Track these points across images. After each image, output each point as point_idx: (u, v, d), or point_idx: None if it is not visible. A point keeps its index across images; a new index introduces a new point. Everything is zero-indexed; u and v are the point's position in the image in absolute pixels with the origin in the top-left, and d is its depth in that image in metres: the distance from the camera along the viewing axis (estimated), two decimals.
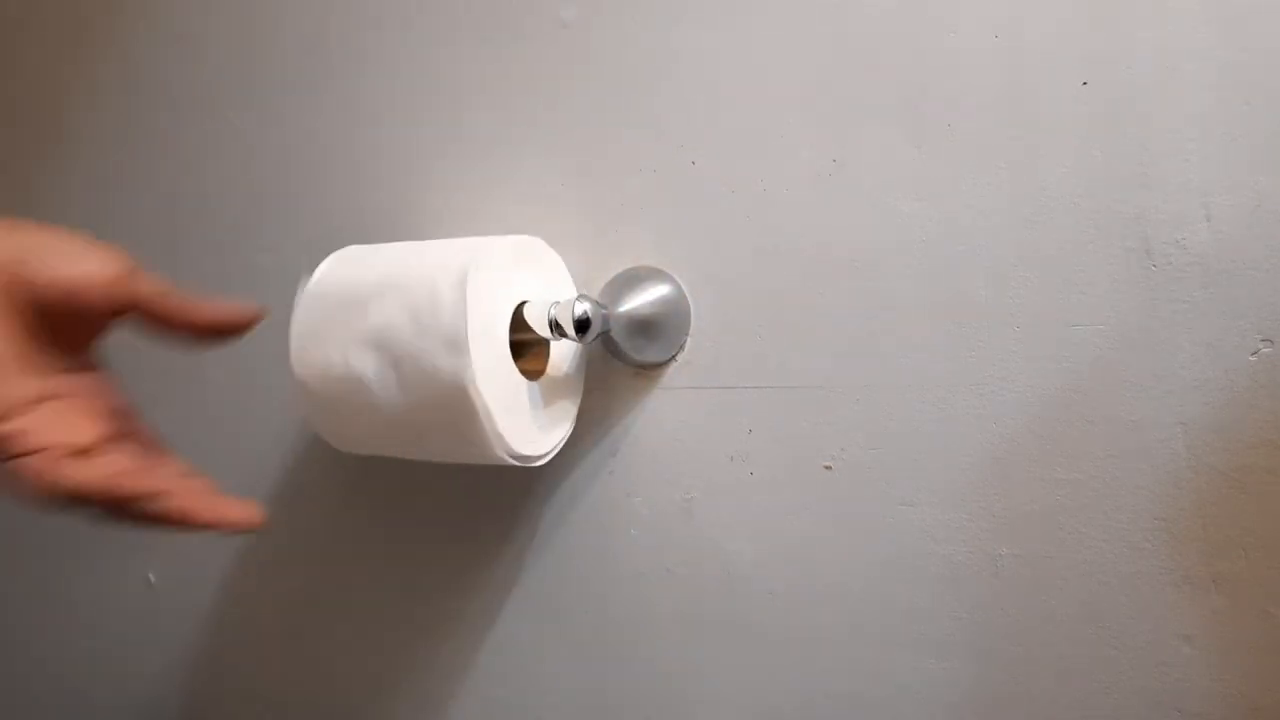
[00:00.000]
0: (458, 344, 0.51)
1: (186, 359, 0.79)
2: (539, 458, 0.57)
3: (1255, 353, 0.50)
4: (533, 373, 0.58)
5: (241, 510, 0.44)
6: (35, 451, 0.41)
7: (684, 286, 0.61)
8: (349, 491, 0.72)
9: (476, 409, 0.51)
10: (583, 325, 0.54)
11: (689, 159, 0.61)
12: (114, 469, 0.42)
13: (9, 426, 0.41)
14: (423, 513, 0.70)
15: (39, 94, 0.84)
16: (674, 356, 0.62)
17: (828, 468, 0.58)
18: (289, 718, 0.76)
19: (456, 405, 0.52)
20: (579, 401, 0.62)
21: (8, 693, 0.87)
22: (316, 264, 0.60)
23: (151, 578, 0.80)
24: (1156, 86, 0.51)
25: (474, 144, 0.68)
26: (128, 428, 0.46)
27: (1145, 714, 0.52)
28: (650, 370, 0.62)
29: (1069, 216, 0.53)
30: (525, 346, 0.58)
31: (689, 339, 0.62)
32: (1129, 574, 0.52)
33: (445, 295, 0.52)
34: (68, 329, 0.43)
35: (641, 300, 0.59)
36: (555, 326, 0.54)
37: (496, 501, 0.67)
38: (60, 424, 0.42)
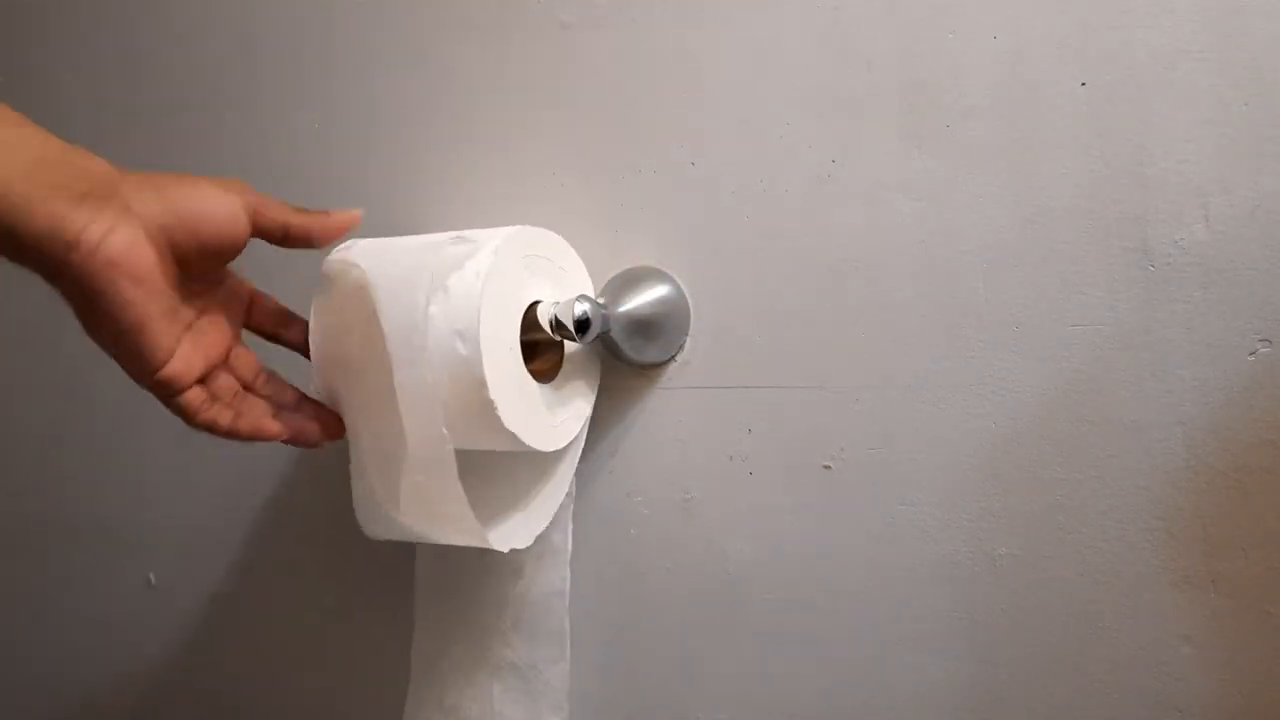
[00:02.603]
0: (469, 336, 0.51)
1: None
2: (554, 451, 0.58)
3: (1254, 353, 0.50)
4: (546, 373, 0.58)
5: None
6: (183, 389, 0.49)
7: (684, 286, 0.61)
8: (349, 491, 0.72)
9: (491, 400, 0.52)
10: (582, 325, 0.54)
11: (689, 159, 0.61)
12: (231, 411, 0.52)
13: (166, 372, 0.48)
14: None
15: (39, 94, 0.84)
16: (674, 356, 0.62)
17: (827, 468, 0.58)
18: (289, 718, 0.76)
19: (471, 394, 0.52)
20: (592, 402, 0.61)
21: (8, 693, 0.87)
22: (313, 263, 0.60)
23: (151, 578, 0.80)
24: (1156, 87, 0.51)
25: (474, 145, 0.68)
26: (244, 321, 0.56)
27: (1145, 714, 0.52)
28: (650, 370, 0.62)
29: (1068, 216, 0.53)
30: (540, 346, 0.58)
31: (689, 339, 0.62)
32: (1128, 574, 0.52)
33: (464, 286, 0.52)
34: (210, 264, 0.51)
35: (641, 300, 0.59)
36: (555, 326, 0.54)
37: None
38: (197, 352, 0.50)
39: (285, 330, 0.58)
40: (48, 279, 0.45)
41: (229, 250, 0.50)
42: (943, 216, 0.55)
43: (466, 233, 0.56)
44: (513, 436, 0.53)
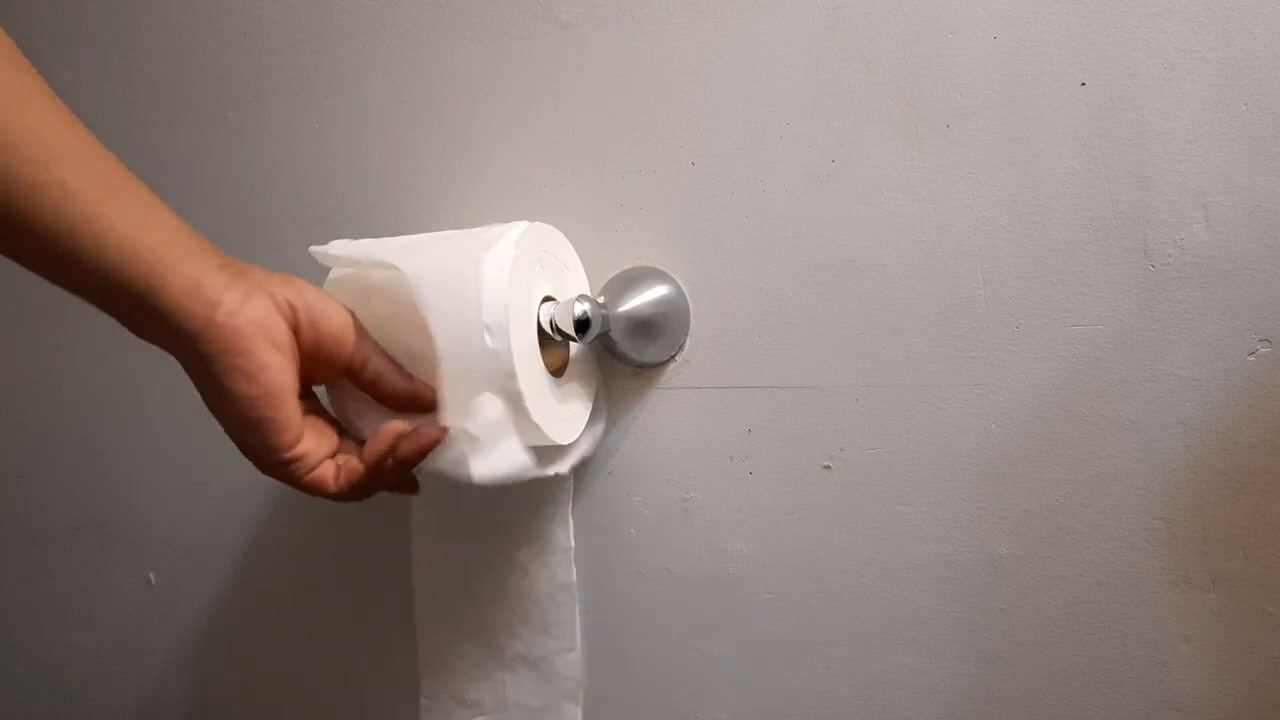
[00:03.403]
0: (497, 329, 0.51)
1: None
2: (566, 447, 0.58)
3: (1253, 353, 0.50)
4: (556, 369, 0.58)
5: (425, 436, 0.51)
6: (315, 467, 0.49)
7: (684, 286, 0.61)
8: None
9: (520, 392, 0.52)
10: (582, 325, 0.54)
11: (689, 159, 0.61)
12: (352, 468, 0.50)
13: (300, 449, 0.48)
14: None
15: None
16: (674, 356, 0.62)
17: (827, 468, 0.58)
18: (288, 716, 0.76)
19: (498, 387, 0.52)
20: (592, 400, 0.61)
21: (7, 692, 0.87)
22: (312, 263, 0.60)
23: (152, 578, 0.80)
24: (1155, 87, 0.51)
25: (474, 144, 0.68)
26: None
27: (1145, 714, 0.52)
28: (650, 370, 0.62)
29: (1068, 217, 0.53)
30: (547, 342, 0.58)
31: (689, 339, 0.62)
32: (1128, 574, 0.52)
33: (487, 279, 0.52)
34: (320, 367, 0.50)
35: (641, 300, 0.59)
36: (555, 327, 0.54)
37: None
38: (320, 438, 0.50)
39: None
40: (185, 341, 0.44)
41: (339, 357, 0.50)
42: (943, 216, 0.55)
43: (479, 229, 0.56)
44: (536, 429, 0.53)
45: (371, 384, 0.51)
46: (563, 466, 0.58)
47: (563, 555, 0.63)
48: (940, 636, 0.56)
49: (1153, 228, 0.51)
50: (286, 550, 0.75)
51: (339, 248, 0.57)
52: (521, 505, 0.63)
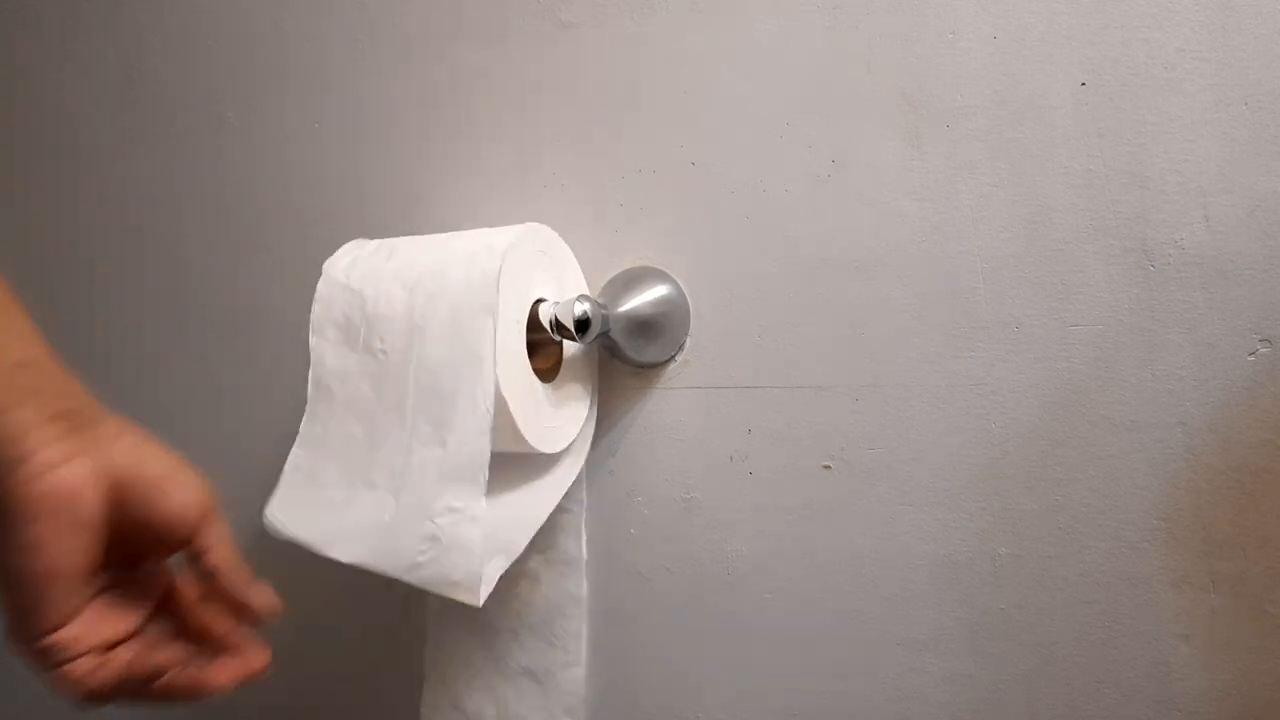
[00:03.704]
0: (484, 339, 0.51)
1: (196, 362, 0.79)
2: (555, 452, 0.58)
3: (1253, 353, 0.50)
4: (547, 372, 0.58)
5: (249, 659, 0.48)
6: (70, 659, 0.41)
7: (684, 286, 0.61)
8: None
9: (502, 396, 0.52)
10: (583, 325, 0.54)
11: (689, 159, 0.61)
12: (124, 662, 0.43)
13: (57, 638, 0.41)
14: None
15: (40, 94, 0.84)
16: (674, 356, 0.62)
17: (827, 467, 0.58)
18: (289, 717, 0.76)
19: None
20: (588, 404, 0.61)
21: (7, 692, 0.87)
22: (311, 263, 0.60)
23: None
24: (1155, 87, 0.51)
25: (474, 144, 0.68)
26: (168, 606, 0.47)
27: (1145, 713, 0.52)
28: (650, 370, 0.62)
29: (1068, 217, 0.53)
30: (539, 346, 0.58)
31: (689, 339, 0.62)
32: (1128, 573, 0.52)
33: (476, 284, 0.52)
34: (147, 548, 0.44)
35: (641, 300, 0.59)
36: (556, 326, 0.54)
37: None
38: (98, 625, 0.43)
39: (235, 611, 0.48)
40: None
41: (171, 541, 0.44)
42: (943, 216, 0.55)
43: (476, 231, 0.57)
44: (519, 436, 0.53)
45: (205, 575, 0.45)
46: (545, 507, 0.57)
47: (574, 566, 0.62)
48: (940, 636, 0.56)
49: (1153, 228, 0.51)
50: (287, 550, 0.75)
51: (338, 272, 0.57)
52: None
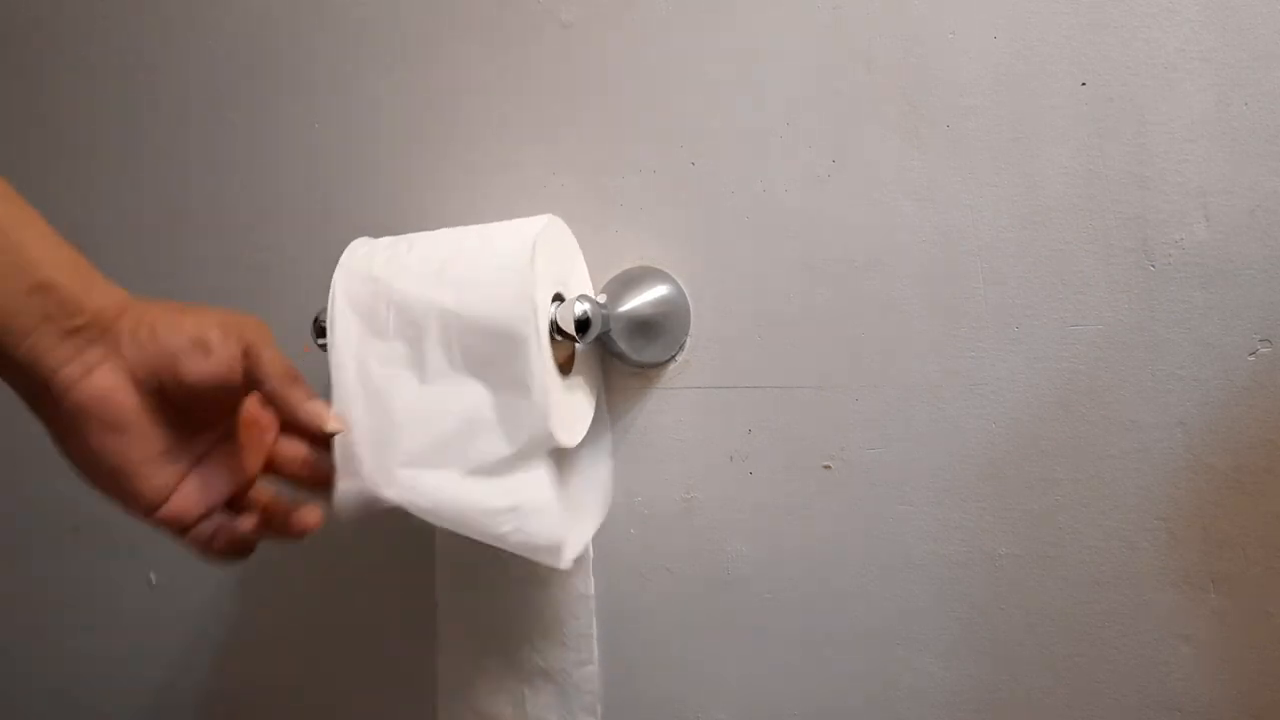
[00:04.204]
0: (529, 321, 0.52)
1: None
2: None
3: (1254, 353, 0.50)
4: (563, 366, 0.58)
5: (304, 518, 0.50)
6: (188, 529, 0.47)
7: (684, 286, 0.61)
8: None
9: (542, 371, 0.52)
10: (583, 325, 0.54)
11: (689, 159, 0.61)
12: (231, 536, 0.48)
13: (165, 513, 0.46)
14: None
15: (39, 94, 0.84)
16: (674, 356, 0.62)
17: (827, 468, 0.58)
18: (290, 717, 0.76)
19: (519, 369, 0.52)
20: (594, 401, 0.61)
21: (8, 693, 0.87)
22: (311, 263, 0.60)
23: (152, 578, 0.80)
24: (1156, 86, 0.51)
25: (474, 144, 0.68)
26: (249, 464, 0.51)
27: (1145, 713, 0.52)
28: (650, 370, 0.62)
29: (1068, 216, 0.53)
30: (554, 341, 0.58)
31: (689, 339, 0.62)
32: (1128, 574, 0.52)
33: (512, 268, 0.53)
34: (204, 406, 0.47)
35: (641, 300, 0.59)
36: (555, 327, 0.54)
37: None
38: (201, 492, 0.47)
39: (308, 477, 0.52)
40: (31, 408, 0.44)
41: (221, 394, 0.47)
42: (943, 216, 0.55)
43: (495, 224, 0.57)
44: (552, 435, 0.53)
45: (272, 408, 0.49)
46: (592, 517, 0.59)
47: (581, 565, 0.62)
48: (940, 636, 0.56)
49: (1153, 228, 0.51)
50: (288, 550, 0.75)
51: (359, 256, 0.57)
52: None
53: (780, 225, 0.59)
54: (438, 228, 0.67)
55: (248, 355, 0.46)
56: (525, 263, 0.52)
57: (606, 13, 0.63)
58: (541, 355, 0.52)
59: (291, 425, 0.50)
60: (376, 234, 0.60)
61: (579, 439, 0.58)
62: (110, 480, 0.45)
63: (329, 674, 0.74)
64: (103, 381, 0.43)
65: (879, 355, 0.57)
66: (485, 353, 0.52)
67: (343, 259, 0.57)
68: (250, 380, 0.47)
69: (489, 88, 0.67)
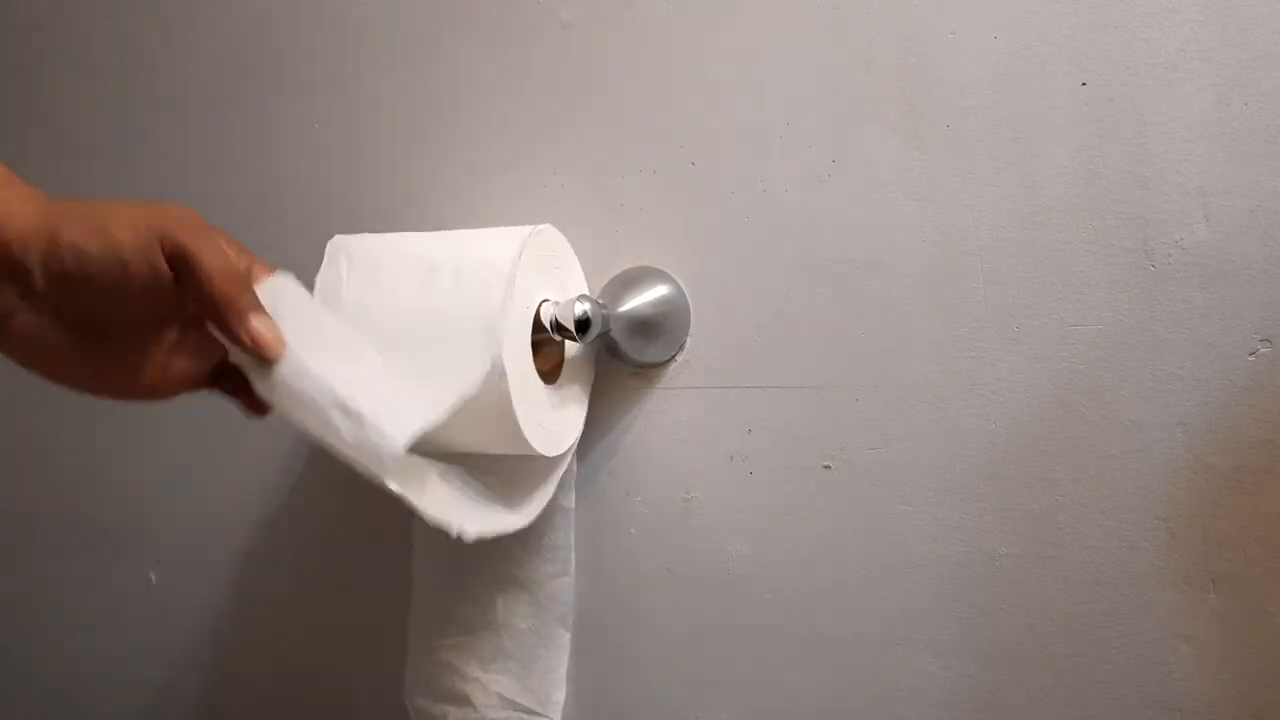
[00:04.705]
0: (493, 331, 0.51)
1: None
2: (557, 456, 0.58)
3: (1254, 353, 0.50)
4: (548, 373, 0.58)
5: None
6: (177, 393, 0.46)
7: (684, 286, 0.61)
8: (351, 489, 0.72)
9: (509, 397, 0.51)
10: (583, 325, 0.54)
11: (689, 159, 0.61)
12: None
13: (152, 396, 0.45)
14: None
15: (39, 94, 0.84)
16: (674, 356, 0.62)
17: (827, 468, 0.58)
18: (289, 717, 0.76)
19: (487, 393, 0.51)
20: (587, 401, 0.61)
21: (8, 693, 0.87)
22: (311, 263, 0.60)
23: (152, 578, 0.80)
24: (1156, 86, 0.51)
25: (474, 144, 0.68)
26: None
27: (1145, 713, 0.52)
28: (650, 370, 0.62)
29: (1068, 217, 0.53)
30: (540, 346, 0.58)
31: (689, 339, 0.62)
32: (1128, 574, 0.52)
33: (491, 281, 0.52)
34: (136, 307, 0.43)
35: (641, 300, 0.59)
36: (556, 326, 0.54)
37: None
38: (181, 373, 0.46)
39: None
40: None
41: (157, 301, 0.43)
42: (943, 216, 0.55)
43: (486, 230, 0.57)
44: (523, 441, 0.53)
45: (194, 300, 0.44)
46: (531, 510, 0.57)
47: (567, 480, 0.62)
48: (940, 636, 0.56)
49: (1153, 228, 0.51)
50: (287, 550, 0.75)
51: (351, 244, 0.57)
52: None
53: (780, 225, 0.59)
54: (436, 228, 0.67)
55: (172, 246, 0.42)
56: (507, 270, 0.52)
57: (606, 13, 0.63)
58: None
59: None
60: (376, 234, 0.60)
61: (559, 450, 0.58)
62: (84, 390, 0.44)
63: (329, 673, 0.74)
64: (24, 325, 0.41)
65: (879, 355, 0.57)
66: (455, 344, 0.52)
67: (336, 239, 0.57)
68: (185, 288, 0.43)
69: (489, 88, 0.67)
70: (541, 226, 0.57)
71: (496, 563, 0.64)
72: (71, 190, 0.86)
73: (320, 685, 0.74)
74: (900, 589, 0.57)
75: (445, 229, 0.68)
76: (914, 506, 0.56)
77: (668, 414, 0.62)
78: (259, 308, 0.45)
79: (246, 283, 0.45)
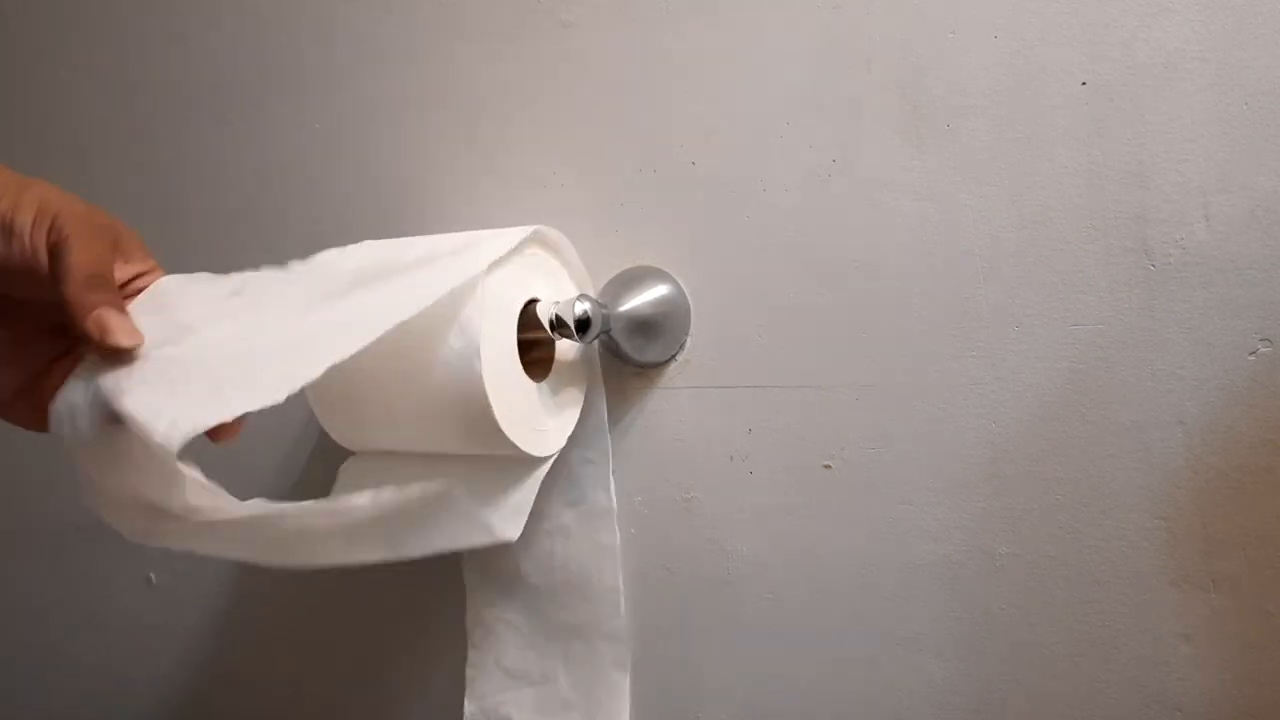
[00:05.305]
0: (468, 334, 0.51)
1: None
2: (543, 458, 0.57)
3: (1254, 352, 0.50)
4: (539, 371, 0.58)
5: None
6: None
7: (684, 286, 0.61)
8: None
9: (486, 401, 0.51)
10: (583, 325, 0.54)
11: (689, 159, 0.61)
12: None
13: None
14: None
15: (40, 95, 0.84)
16: (674, 356, 0.62)
17: (827, 467, 0.58)
18: (289, 717, 0.76)
19: (465, 397, 0.52)
20: (581, 403, 0.61)
21: (8, 693, 0.87)
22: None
23: (152, 578, 0.80)
24: (1155, 87, 0.51)
25: (474, 144, 0.68)
26: None
27: (1145, 713, 0.52)
28: (650, 370, 0.62)
29: (1068, 216, 0.53)
30: (532, 345, 0.58)
31: (689, 339, 0.62)
32: (1128, 573, 0.52)
33: (461, 285, 0.51)
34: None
35: (641, 300, 0.59)
36: (556, 325, 0.54)
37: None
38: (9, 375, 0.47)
39: None
40: None
41: (27, 275, 0.42)
42: (943, 216, 0.55)
43: (473, 233, 0.56)
44: (506, 439, 0.53)
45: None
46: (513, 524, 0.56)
47: (605, 518, 0.62)
48: (940, 636, 0.56)
49: (1153, 227, 0.51)
50: None
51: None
52: (560, 467, 0.62)
53: (780, 225, 0.59)
54: (436, 228, 0.67)
55: (54, 250, 0.41)
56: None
57: (606, 13, 0.63)
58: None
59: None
60: (376, 235, 0.60)
61: (550, 450, 0.58)
62: None
63: (329, 673, 0.74)
64: None
65: (879, 355, 0.57)
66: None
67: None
68: (53, 282, 0.41)
69: (490, 87, 0.67)
70: (537, 227, 0.57)
71: (548, 608, 0.63)
72: (70, 190, 0.86)
73: (320, 686, 0.74)
74: (900, 589, 0.57)
75: (444, 229, 0.68)
76: (914, 506, 0.56)
77: (668, 414, 0.62)
78: (117, 306, 0.43)
79: (108, 283, 0.43)
